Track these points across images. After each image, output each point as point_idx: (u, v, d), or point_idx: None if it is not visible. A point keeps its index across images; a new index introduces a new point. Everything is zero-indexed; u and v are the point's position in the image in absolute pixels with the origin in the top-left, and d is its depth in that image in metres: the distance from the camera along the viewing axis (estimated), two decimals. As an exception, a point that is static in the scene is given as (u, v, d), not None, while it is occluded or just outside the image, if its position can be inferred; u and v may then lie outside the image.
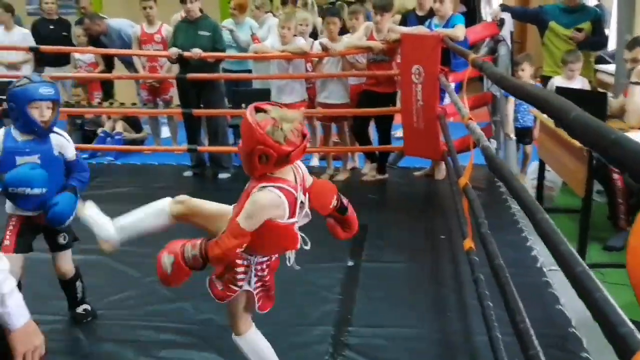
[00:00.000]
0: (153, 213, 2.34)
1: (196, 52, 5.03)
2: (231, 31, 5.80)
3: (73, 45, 6.41)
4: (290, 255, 2.27)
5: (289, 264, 2.30)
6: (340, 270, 3.60)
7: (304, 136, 2.01)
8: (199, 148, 5.42)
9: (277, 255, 2.30)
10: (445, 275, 3.56)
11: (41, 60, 6.53)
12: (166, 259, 2.08)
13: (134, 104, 6.60)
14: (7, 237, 2.74)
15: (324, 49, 4.98)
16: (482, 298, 2.62)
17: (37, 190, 2.60)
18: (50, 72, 6.33)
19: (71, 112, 6.31)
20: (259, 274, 2.24)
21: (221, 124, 5.46)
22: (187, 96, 5.30)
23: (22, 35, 6.43)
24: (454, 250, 3.80)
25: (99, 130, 6.30)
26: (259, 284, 2.27)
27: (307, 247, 2.25)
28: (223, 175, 5.44)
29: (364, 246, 3.95)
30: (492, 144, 4.12)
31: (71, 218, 2.74)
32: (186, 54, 5.05)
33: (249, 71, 6.08)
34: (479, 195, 3.31)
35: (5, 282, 1.52)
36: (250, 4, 6.15)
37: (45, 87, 2.64)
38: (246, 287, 2.22)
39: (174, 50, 5.09)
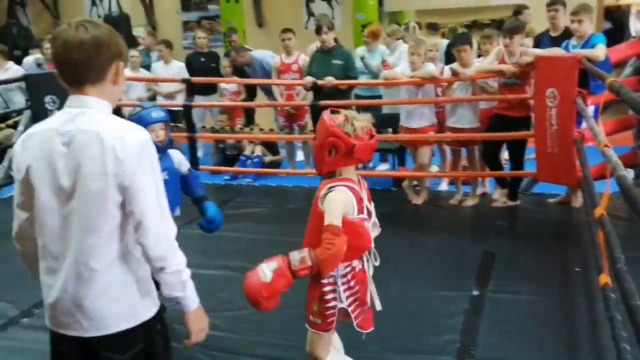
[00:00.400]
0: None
1: (329, 79, 5.25)
2: (362, 58, 5.98)
3: (221, 75, 6.95)
4: (370, 259, 2.32)
5: (368, 270, 2.33)
6: (465, 299, 3.54)
7: (372, 136, 2.19)
8: (330, 171, 5.61)
9: (360, 266, 2.30)
10: (578, 311, 3.37)
11: (192, 90, 7.16)
12: (266, 267, 2.12)
13: (272, 129, 7.00)
14: None
15: (454, 74, 4.97)
16: (617, 339, 2.46)
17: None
18: (199, 100, 6.95)
19: (216, 137, 6.84)
20: (347, 286, 2.26)
21: (351, 148, 5.60)
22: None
23: (179, 68, 7.12)
24: (588, 285, 3.58)
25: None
26: (350, 298, 2.27)
27: (377, 263, 2.34)
28: (352, 198, 5.57)
29: (491, 275, 3.85)
30: (630, 173, 3.84)
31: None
32: (320, 82, 5.29)
33: (380, 97, 6.21)
34: (617, 226, 3.12)
35: (186, 270, 1.71)
36: (383, 31, 6.31)
37: (156, 112, 2.99)
38: (340, 305, 2.25)
39: (308, 79, 5.36)
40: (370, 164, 6.79)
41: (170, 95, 7.05)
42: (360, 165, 5.92)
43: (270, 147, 6.93)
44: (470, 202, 5.24)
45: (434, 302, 3.51)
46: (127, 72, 6.99)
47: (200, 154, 7.61)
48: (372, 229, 2.28)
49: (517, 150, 5.05)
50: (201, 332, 1.82)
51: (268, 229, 4.86)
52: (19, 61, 8.27)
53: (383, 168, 6.62)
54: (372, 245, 2.28)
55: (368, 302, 2.34)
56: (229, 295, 3.59)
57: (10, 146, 6.54)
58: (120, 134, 1.59)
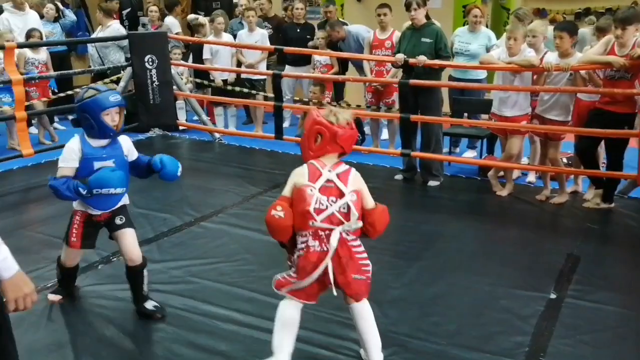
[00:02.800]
0: (283, 322, 2.54)
1: (421, 59, 5.07)
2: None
3: (315, 48, 6.91)
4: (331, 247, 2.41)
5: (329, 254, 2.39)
6: (541, 301, 3.33)
7: (352, 128, 2.51)
8: (412, 153, 5.45)
9: (316, 247, 2.42)
10: (668, 329, 3.08)
11: (282, 60, 7.19)
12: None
13: (359, 105, 6.90)
14: (74, 234, 3.03)
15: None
16: None
17: (119, 190, 2.89)
18: (289, 70, 6.96)
19: (301, 109, 6.85)
20: (297, 259, 2.48)
21: (436, 131, 5.42)
22: (407, 101, 5.37)
23: (261, 36, 7.16)
24: (683, 302, 3.27)
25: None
26: (293, 272, 2.51)
27: (332, 246, 2.40)
28: (432, 183, 5.41)
29: (572, 279, 3.61)
30: None
31: (179, 170, 3.09)
32: (411, 60, 5.12)
33: (479, 81, 5.94)
34: None
35: None
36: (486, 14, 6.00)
37: (113, 95, 2.87)
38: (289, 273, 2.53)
39: (399, 56, 5.20)
40: (458, 150, 6.57)
41: (251, 65, 7.09)
42: (445, 150, 5.82)
43: (357, 123, 6.82)
44: (558, 199, 4.92)
45: (507, 301, 3.34)
46: (211, 38, 7.13)
47: (286, 124, 7.70)
48: (352, 215, 2.43)
49: (617, 149, 4.67)
50: (23, 299, 1.77)
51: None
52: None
53: (470, 155, 6.36)
54: (318, 218, 2.41)
55: (305, 281, 2.46)
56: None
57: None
58: None
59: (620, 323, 3.14)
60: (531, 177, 5.54)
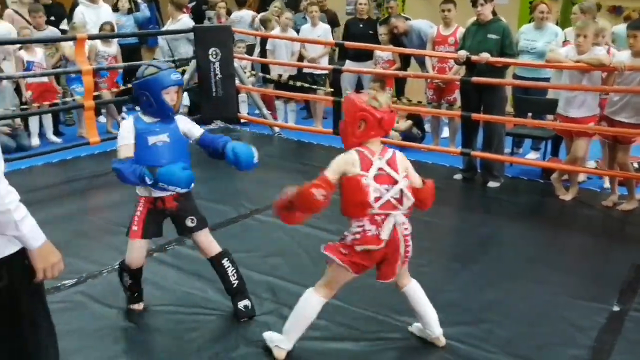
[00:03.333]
0: (304, 309, 2.66)
1: (484, 56, 4.92)
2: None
3: (378, 43, 6.84)
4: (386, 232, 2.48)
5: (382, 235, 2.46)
6: (602, 312, 3.18)
7: (391, 110, 2.53)
8: (472, 153, 5.31)
9: (373, 231, 2.47)
10: None
11: (344, 55, 7.15)
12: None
13: (420, 102, 6.79)
14: (135, 222, 2.91)
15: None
16: None
17: (183, 191, 2.81)
18: (350, 66, 6.91)
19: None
20: (351, 243, 2.51)
21: (499, 130, 5.25)
22: (469, 99, 5.23)
23: (323, 31, 7.16)
24: None
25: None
26: (347, 250, 2.52)
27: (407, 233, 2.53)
28: (492, 184, 5.24)
29: (637, 291, 3.42)
30: None
31: (255, 157, 2.92)
32: (474, 57, 4.98)
33: (544, 80, 5.72)
34: None
35: (17, 210, 1.71)
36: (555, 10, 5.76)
37: (174, 74, 2.82)
38: (341, 250, 2.54)
39: (462, 53, 5.07)
40: (521, 151, 6.35)
41: (313, 60, 7.09)
42: (507, 150, 5.63)
43: (416, 120, 6.72)
44: (626, 206, 4.67)
45: (566, 311, 3.20)
46: (277, 32, 7.17)
47: (345, 119, 7.67)
48: (405, 199, 2.51)
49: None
50: (52, 269, 1.82)
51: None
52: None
53: (533, 157, 6.15)
54: (376, 205, 2.46)
55: (353, 260, 2.52)
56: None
57: (186, 90, 7.02)
58: None
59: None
60: (607, 183, 5.23)
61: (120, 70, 7.52)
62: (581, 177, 5.24)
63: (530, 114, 5.94)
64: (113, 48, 7.04)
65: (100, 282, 3.46)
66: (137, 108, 2.91)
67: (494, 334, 2.97)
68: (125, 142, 2.81)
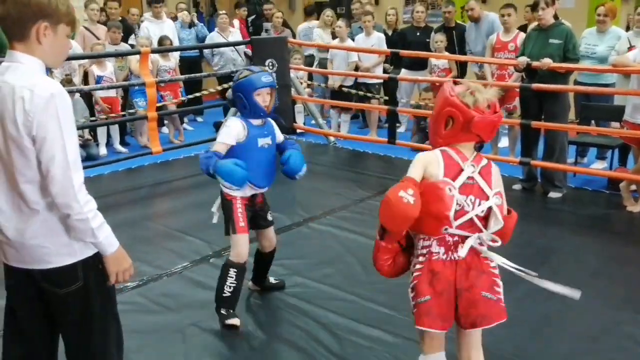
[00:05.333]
0: None
1: (546, 62, 4.77)
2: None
3: (432, 51, 6.77)
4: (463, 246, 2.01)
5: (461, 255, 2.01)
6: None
7: (495, 112, 2.01)
8: (532, 162, 5.14)
9: (442, 254, 2.03)
10: None
11: (398, 63, 7.11)
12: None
13: (478, 110, 6.65)
14: (240, 219, 3.03)
15: None
16: None
17: (229, 185, 2.91)
18: (405, 74, 6.86)
19: (414, 113, 6.72)
20: (414, 268, 2.08)
21: (560, 139, 5.06)
22: (529, 106, 5.09)
23: (377, 39, 7.14)
24: None
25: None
26: (411, 283, 2.08)
27: (462, 255, 2.01)
28: (554, 195, 5.05)
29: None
30: None
31: (304, 169, 3.10)
32: (534, 63, 4.84)
33: (608, 85, 5.49)
34: None
35: (95, 219, 1.78)
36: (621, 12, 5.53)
37: (265, 76, 2.96)
38: (415, 272, 2.07)
39: (522, 59, 4.94)
40: (585, 161, 6.11)
41: (367, 69, 7.08)
42: (570, 160, 5.43)
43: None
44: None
45: (630, 327, 3.04)
46: (336, 42, 7.21)
47: (402, 129, 7.61)
48: (492, 219, 2.03)
49: None
50: (123, 274, 1.91)
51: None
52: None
53: (599, 167, 5.89)
54: (452, 222, 1.99)
55: (424, 296, 2.04)
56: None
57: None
58: (31, 87, 1.67)
59: None
60: None
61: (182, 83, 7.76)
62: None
63: (594, 122, 5.70)
64: (172, 62, 7.27)
65: (159, 285, 3.58)
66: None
67: (551, 349, 2.86)
68: (225, 140, 2.99)
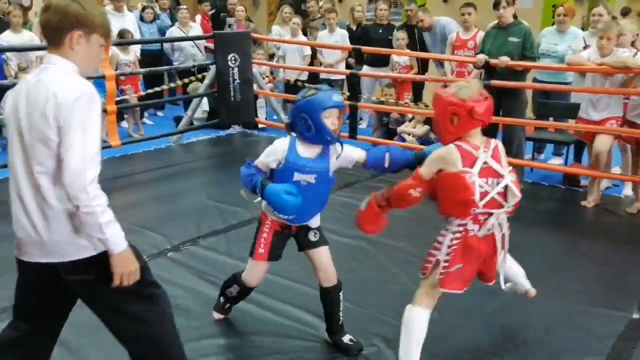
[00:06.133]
0: (417, 336, 2.46)
1: (504, 59, 4.85)
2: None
3: (394, 48, 6.81)
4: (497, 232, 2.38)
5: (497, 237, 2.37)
6: (621, 320, 3.09)
7: (485, 98, 2.34)
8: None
9: (476, 231, 2.35)
10: None
11: (361, 60, 7.14)
12: (364, 200, 2.55)
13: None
14: (262, 244, 2.68)
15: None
16: None
17: (283, 216, 2.54)
18: (367, 70, 6.89)
19: (376, 108, 6.76)
20: (451, 242, 2.36)
21: (518, 135, 5.16)
22: (488, 103, 5.16)
23: (340, 36, 7.18)
24: None
25: (399, 130, 6.62)
26: (447, 256, 2.37)
27: (506, 232, 2.46)
28: (512, 190, 5.15)
29: (659, 299, 3.31)
30: None
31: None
32: (493, 61, 4.92)
33: (566, 84, 5.62)
34: None
35: (104, 214, 1.79)
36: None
37: (336, 95, 2.53)
38: (437, 255, 2.40)
39: (480, 57, 5.02)
40: (542, 156, 6.25)
41: (330, 65, 7.11)
42: (527, 156, 5.54)
43: (433, 125, 6.66)
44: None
45: (583, 318, 3.11)
46: (288, 37, 7.21)
47: (364, 125, 7.64)
48: (510, 195, 2.37)
49: None
50: (128, 276, 1.89)
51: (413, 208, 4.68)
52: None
53: (555, 162, 6.02)
54: (481, 204, 2.30)
55: (455, 266, 2.38)
56: (357, 265, 3.59)
57: (197, 96, 7.10)
58: (63, 85, 1.79)
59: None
60: (627, 190, 5.12)
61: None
62: (605, 184, 5.12)
63: (551, 118, 5.84)
64: (131, 55, 7.14)
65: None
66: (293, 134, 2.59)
67: (505, 339, 2.91)
68: (264, 160, 2.58)
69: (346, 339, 2.78)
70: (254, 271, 2.77)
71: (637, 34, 4.69)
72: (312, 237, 2.70)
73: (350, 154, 2.66)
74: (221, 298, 3.00)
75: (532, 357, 2.77)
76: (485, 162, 2.30)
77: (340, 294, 2.76)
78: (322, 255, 2.71)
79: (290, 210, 2.47)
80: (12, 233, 1.96)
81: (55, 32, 1.85)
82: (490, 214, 2.33)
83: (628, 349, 2.83)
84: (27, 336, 2.06)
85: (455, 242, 2.36)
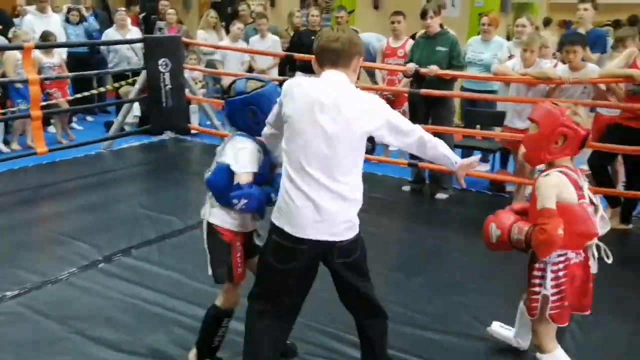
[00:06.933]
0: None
1: (433, 69, 5.01)
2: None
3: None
4: (593, 261, 2.31)
5: (593, 269, 2.33)
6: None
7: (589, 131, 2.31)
8: (421, 164, 5.38)
9: (577, 259, 2.30)
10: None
11: (294, 66, 7.19)
12: (493, 231, 2.43)
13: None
14: (239, 263, 2.53)
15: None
16: None
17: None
18: (299, 76, 6.94)
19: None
20: (555, 275, 2.30)
21: (447, 142, 5.30)
22: (417, 111, 5.29)
23: (273, 42, 7.20)
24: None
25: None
26: (555, 289, 2.30)
27: (609, 261, 2.33)
28: (441, 196, 5.33)
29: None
30: None
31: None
32: (422, 70, 5.07)
33: (492, 92, 5.86)
34: None
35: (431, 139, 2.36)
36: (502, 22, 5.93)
37: (279, 87, 2.46)
38: (543, 292, 2.32)
39: (410, 66, 5.15)
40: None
41: (263, 71, 7.11)
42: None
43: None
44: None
45: (508, 322, 3.23)
46: (226, 42, 7.19)
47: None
48: (600, 223, 2.31)
49: (636, 167, 4.56)
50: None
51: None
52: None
53: (482, 169, 6.26)
54: (596, 238, 2.29)
55: (568, 299, 2.32)
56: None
57: (128, 101, 6.93)
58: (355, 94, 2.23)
59: (628, 349, 3.06)
60: None
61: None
62: (529, 190, 5.36)
63: (478, 126, 6.07)
64: (56, 58, 6.89)
65: (43, 293, 3.39)
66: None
67: (437, 344, 3.01)
68: (250, 169, 2.42)
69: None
70: (234, 292, 2.61)
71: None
72: (257, 241, 2.65)
73: None
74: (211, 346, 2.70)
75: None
76: (592, 201, 2.31)
77: None
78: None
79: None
80: None
81: (346, 58, 2.25)
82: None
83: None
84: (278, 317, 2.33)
85: (561, 273, 2.31)
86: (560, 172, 2.26)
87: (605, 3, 7.16)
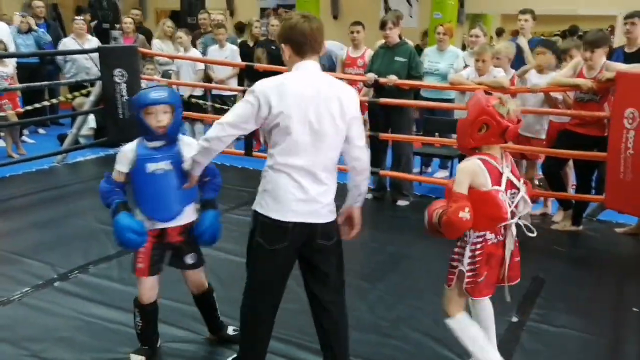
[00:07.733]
0: (475, 336, 2.63)
1: (392, 78, 5.06)
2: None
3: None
4: (510, 239, 2.45)
5: (509, 246, 2.47)
6: (503, 324, 3.26)
7: (518, 121, 2.37)
8: (381, 172, 5.42)
9: (494, 239, 2.44)
10: (630, 356, 3.05)
11: (253, 76, 7.16)
12: (425, 217, 2.56)
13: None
14: (140, 258, 2.66)
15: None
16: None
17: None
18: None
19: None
20: (472, 254, 2.44)
21: (406, 150, 5.40)
22: (377, 119, 5.35)
23: (231, 52, 7.16)
24: (646, 329, 3.25)
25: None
26: (470, 266, 2.46)
27: (533, 235, 2.46)
28: (402, 203, 5.38)
29: (536, 302, 3.58)
30: None
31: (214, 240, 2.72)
32: (382, 79, 5.11)
33: (449, 100, 5.95)
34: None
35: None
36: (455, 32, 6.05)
37: (157, 92, 2.55)
38: (460, 267, 2.48)
39: (370, 75, 5.20)
40: (429, 170, 6.58)
41: (222, 81, 7.06)
42: (416, 170, 5.80)
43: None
44: (525, 220, 4.91)
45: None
46: (180, 53, 7.11)
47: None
48: (522, 204, 2.45)
49: (586, 171, 4.70)
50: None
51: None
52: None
53: (442, 175, 6.36)
54: (510, 217, 2.40)
55: (483, 275, 2.47)
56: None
57: (82, 113, 6.76)
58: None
59: (581, 348, 3.12)
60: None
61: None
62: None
63: (437, 134, 6.16)
64: (10, 68, 6.69)
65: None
66: None
67: (401, 350, 3.02)
68: (117, 167, 2.63)
69: (230, 330, 2.98)
70: (141, 287, 2.74)
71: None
72: (189, 260, 2.77)
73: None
74: (138, 337, 2.86)
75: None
76: (507, 177, 2.40)
77: (214, 295, 2.95)
78: (198, 275, 2.85)
79: (128, 247, 2.62)
80: None
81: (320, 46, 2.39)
82: (509, 225, 2.44)
83: (509, 351, 3.02)
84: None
85: (477, 252, 2.44)
86: (480, 159, 2.37)
87: (546, 15, 7.41)
